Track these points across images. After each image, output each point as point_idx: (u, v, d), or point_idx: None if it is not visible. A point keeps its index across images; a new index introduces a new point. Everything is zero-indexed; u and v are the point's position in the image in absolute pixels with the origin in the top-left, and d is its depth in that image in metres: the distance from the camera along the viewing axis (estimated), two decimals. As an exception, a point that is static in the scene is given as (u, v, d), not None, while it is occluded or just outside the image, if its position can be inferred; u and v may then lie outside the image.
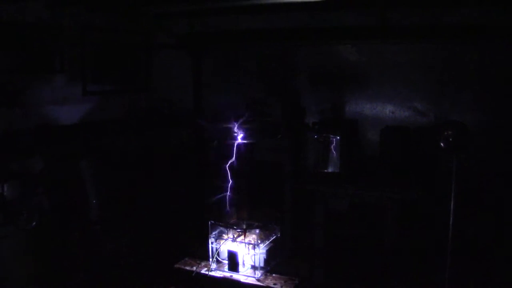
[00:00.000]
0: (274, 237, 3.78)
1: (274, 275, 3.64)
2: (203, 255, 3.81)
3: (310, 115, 4.91)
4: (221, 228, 3.76)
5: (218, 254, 3.73)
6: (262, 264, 3.62)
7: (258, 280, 3.56)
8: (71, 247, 3.93)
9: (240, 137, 3.77)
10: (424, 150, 4.33)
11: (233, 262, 3.62)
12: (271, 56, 5.20)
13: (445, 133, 3.19)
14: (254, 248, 3.59)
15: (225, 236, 3.72)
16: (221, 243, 3.71)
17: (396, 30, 4.37)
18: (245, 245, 3.63)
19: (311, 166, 4.22)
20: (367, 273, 3.96)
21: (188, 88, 5.44)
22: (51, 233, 3.78)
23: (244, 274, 3.62)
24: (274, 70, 5.18)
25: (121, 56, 5.06)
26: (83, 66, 4.51)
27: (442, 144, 3.20)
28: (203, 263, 3.77)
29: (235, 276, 3.62)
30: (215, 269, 3.69)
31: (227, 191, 3.88)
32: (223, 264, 3.73)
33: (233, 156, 3.77)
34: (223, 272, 3.66)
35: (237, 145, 3.74)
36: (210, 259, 3.71)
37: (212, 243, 3.73)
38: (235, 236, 3.71)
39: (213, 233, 3.74)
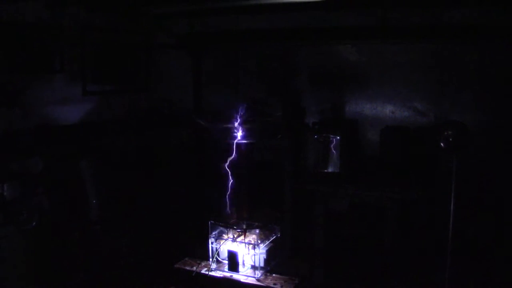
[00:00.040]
0: (274, 237, 3.78)
1: (274, 275, 3.64)
2: (203, 255, 3.81)
3: (310, 115, 4.91)
4: (221, 228, 3.76)
5: (218, 254, 3.73)
6: (262, 264, 3.62)
7: (258, 280, 3.56)
8: (71, 247, 3.93)
9: (240, 137, 3.76)
10: (424, 150, 4.33)
11: (233, 262, 3.62)
12: (271, 56, 5.20)
13: (445, 133, 3.19)
14: (254, 248, 3.59)
15: (225, 236, 3.72)
16: (221, 243, 3.71)
17: (396, 30, 4.37)
18: (245, 245, 3.62)
19: (311, 166, 4.22)
20: (367, 273, 3.96)
21: (188, 88, 5.44)
22: (51, 233, 3.78)
23: (244, 274, 3.61)
24: (274, 70, 5.18)
25: (121, 56, 5.06)
26: (83, 66, 4.51)
27: (442, 144, 3.20)
28: (203, 263, 3.77)
29: (235, 276, 3.61)
30: (215, 269, 3.69)
31: (227, 191, 3.88)
32: (223, 264, 3.73)
33: (233, 156, 3.77)
34: (223, 272, 3.66)
35: (237, 145, 3.74)
36: (210, 259, 3.71)
37: (212, 243, 3.73)
38: (235, 236, 3.71)
39: (213, 233, 3.74)
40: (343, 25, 4.55)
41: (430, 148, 4.17)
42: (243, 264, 3.66)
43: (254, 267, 3.62)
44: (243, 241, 3.64)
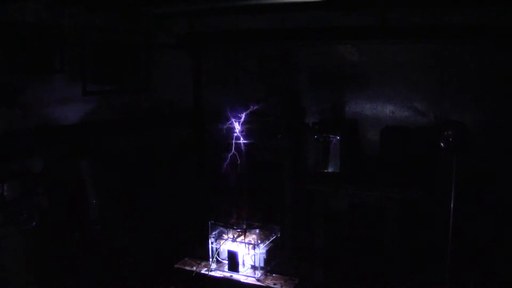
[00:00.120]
0: (274, 237, 3.77)
1: (274, 275, 3.64)
2: (203, 255, 3.80)
3: (310, 115, 4.91)
4: (221, 228, 3.75)
5: (218, 254, 3.72)
6: (262, 264, 3.61)
7: (258, 280, 3.55)
8: (71, 247, 3.93)
9: (240, 137, 3.76)
10: (424, 150, 4.33)
11: (233, 262, 3.62)
12: (271, 56, 5.20)
13: (445, 133, 3.19)
14: (254, 248, 3.59)
15: (225, 236, 3.72)
16: (221, 243, 3.70)
17: (396, 30, 4.37)
18: (245, 245, 3.62)
19: (311, 166, 4.22)
20: (367, 273, 3.96)
21: (188, 88, 5.44)
22: (51, 233, 3.78)
23: (244, 274, 3.61)
24: (274, 70, 5.18)
25: (121, 56, 5.05)
26: (83, 66, 4.51)
27: (442, 144, 3.20)
28: (203, 263, 3.77)
29: (235, 276, 3.61)
30: (215, 269, 3.68)
31: (227, 191, 3.88)
32: (223, 264, 3.73)
33: (232, 156, 3.77)
34: (223, 272, 3.65)
35: (236, 145, 3.73)
36: (210, 259, 3.71)
37: (212, 243, 3.73)
38: (235, 236, 3.70)
39: (213, 233, 3.74)
40: (343, 25, 4.55)
41: (430, 148, 4.17)
42: (243, 264, 3.66)
43: (254, 267, 3.62)
44: (243, 241, 3.64)
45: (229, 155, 3.72)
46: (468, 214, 3.67)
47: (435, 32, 4.27)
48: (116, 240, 4.25)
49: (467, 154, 3.27)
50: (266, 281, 3.54)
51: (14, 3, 3.79)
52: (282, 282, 3.54)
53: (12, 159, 3.67)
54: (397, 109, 4.72)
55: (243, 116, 3.93)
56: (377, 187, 3.89)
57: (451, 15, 4.20)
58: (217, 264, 3.72)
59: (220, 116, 3.75)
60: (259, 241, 3.59)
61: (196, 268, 3.71)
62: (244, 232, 3.65)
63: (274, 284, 3.51)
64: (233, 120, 3.75)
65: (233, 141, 3.71)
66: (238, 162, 3.68)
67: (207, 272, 3.65)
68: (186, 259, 3.89)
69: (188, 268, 3.75)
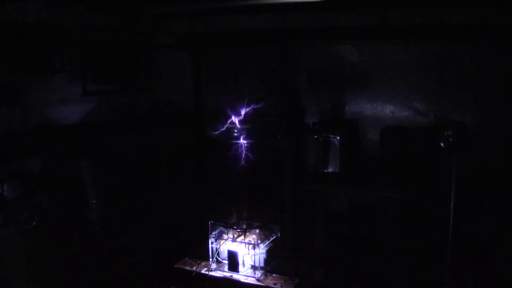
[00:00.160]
0: (274, 237, 3.77)
1: (274, 275, 3.63)
2: (203, 255, 3.80)
3: (310, 115, 4.91)
4: (221, 228, 3.75)
5: (218, 254, 3.72)
6: (262, 264, 3.61)
7: (258, 280, 3.55)
8: (71, 247, 3.93)
9: (240, 137, 3.76)
10: (424, 150, 4.33)
11: (233, 262, 3.61)
12: (271, 56, 5.20)
13: (445, 133, 3.19)
14: (254, 248, 3.58)
15: (225, 236, 3.72)
16: (221, 243, 3.70)
17: (396, 30, 4.37)
18: (245, 245, 3.62)
19: (311, 166, 4.22)
20: (367, 273, 3.96)
21: (188, 88, 5.44)
22: (51, 233, 3.78)
23: (244, 274, 3.61)
24: (274, 70, 5.18)
25: (121, 56, 5.06)
26: (83, 66, 4.51)
27: (442, 144, 3.20)
28: (203, 263, 3.77)
29: (235, 276, 3.61)
30: (215, 269, 3.68)
31: (227, 191, 3.88)
32: (223, 264, 3.73)
33: (233, 156, 3.76)
34: (223, 272, 3.65)
35: (237, 145, 3.73)
36: (210, 259, 3.70)
37: (212, 243, 3.73)
38: (235, 236, 3.70)
39: (213, 233, 3.74)
40: (343, 25, 4.55)
41: (430, 148, 4.17)
42: (243, 264, 3.66)
43: (254, 267, 3.61)
44: (243, 241, 3.64)
45: (229, 155, 3.72)
46: (468, 214, 3.67)
47: (435, 32, 4.27)
48: (116, 240, 4.25)
49: (467, 154, 3.26)
50: (266, 281, 3.54)
51: (14, 3, 3.79)
52: (282, 282, 3.54)
53: (12, 159, 3.67)
54: (397, 109, 4.72)
55: (243, 116, 3.93)
56: (377, 187, 3.89)
57: (451, 15, 4.20)
58: (217, 264, 3.72)
59: (220, 116, 3.75)
60: (259, 241, 3.59)
61: (196, 268, 3.70)
62: (244, 232, 3.65)
63: (274, 284, 3.51)
64: (233, 120, 3.75)
65: (233, 141, 3.71)
66: (238, 162, 3.68)
67: (207, 272, 3.65)
68: (186, 259, 3.89)
69: (188, 268, 3.75)
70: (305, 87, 5.03)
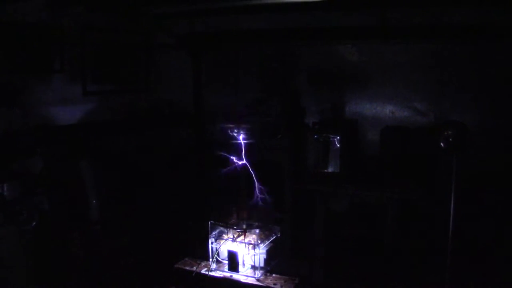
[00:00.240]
0: (274, 237, 3.77)
1: (274, 275, 3.64)
2: (203, 255, 3.81)
3: (310, 115, 4.90)
4: (221, 228, 3.75)
5: (218, 254, 3.73)
6: (262, 264, 3.62)
7: (258, 280, 3.55)
8: (71, 247, 3.93)
9: (240, 137, 3.76)
10: (424, 150, 4.33)
11: (233, 262, 3.62)
12: (271, 56, 5.20)
13: (445, 133, 3.19)
14: (254, 248, 3.59)
15: (225, 236, 3.72)
16: (221, 243, 3.70)
17: (396, 30, 4.37)
18: (245, 245, 3.62)
19: (311, 166, 4.22)
20: (367, 273, 3.96)
21: (188, 88, 5.44)
22: (51, 233, 3.78)
23: (244, 274, 3.61)
24: (274, 70, 5.18)
25: (121, 56, 5.06)
26: (83, 66, 4.51)
27: (442, 144, 3.20)
28: (203, 263, 3.77)
29: (235, 276, 3.61)
30: (215, 269, 3.69)
31: (227, 191, 3.88)
32: (223, 264, 3.73)
33: (233, 156, 3.77)
34: (223, 272, 3.66)
35: (237, 145, 3.74)
36: (210, 259, 3.71)
37: (212, 243, 3.73)
38: (235, 236, 3.70)
39: (213, 233, 3.74)
40: (343, 25, 4.55)
41: (430, 148, 4.17)
42: (243, 264, 3.66)
43: (254, 267, 3.62)
44: (243, 241, 3.64)
45: (229, 155, 3.72)
46: (468, 214, 3.67)
47: (435, 32, 4.27)
48: (116, 240, 4.25)
49: (467, 154, 3.26)
50: (266, 281, 3.54)
51: (14, 3, 3.78)
52: (282, 282, 3.54)
53: (12, 159, 3.67)
54: (397, 109, 4.72)
55: (243, 116, 3.94)
56: (377, 187, 3.89)
57: (451, 15, 4.20)
58: (217, 264, 3.72)
59: (220, 116, 3.75)
60: (259, 241, 3.59)
61: (196, 268, 3.71)
62: (244, 232, 3.66)
63: (274, 284, 3.52)
64: (233, 120, 3.75)
65: (233, 141, 3.72)
66: (238, 162, 3.69)
67: (207, 272, 3.65)
68: (186, 259, 3.90)
69: (188, 268, 3.75)
70: (305, 87, 5.03)
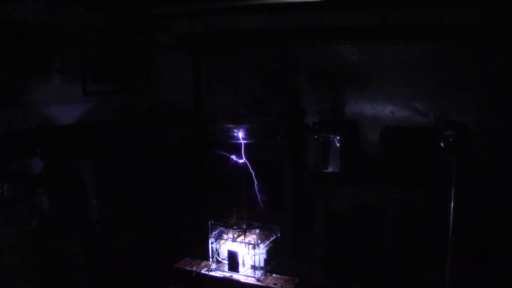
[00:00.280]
0: (274, 237, 3.77)
1: (274, 275, 3.64)
2: (203, 255, 3.81)
3: (310, 115, 4.91)
4: (221, 228, 3.76)
5: (218, 254, 3.73)
6: (262, 264, 3.62)
7: (258, 280, 3.55)
8: (71, 247, 3.93)
9: (240, 137, 3.76)
10: (424, 150, 4.33)
11: (233, 262, 3.62)
12: (271, 56, 5.20)
13: (445, 133, 3.19)
14: (254, 248, 3.59)
15: (225, 236, 3.72)
16: (221, 243, 3.70)
17: (396, 30, 4.37)
18: (245, 245, 3.62)
19: (311, 166, 4.22)
20: (367, 273, 3.96)
21: (188, 88, 5.44)
22: (51, 233, 3.78)
23: (244, 274, 3.61)
24: (274, 70, 5.18)
25: (121, 56, 5.06)
26: (83, 66, 4.51)
27: (442, 144, 3.20)
28: (203, 263, 3.77)
29: (235, 276, 3.61)
30: (215, 269, 3.69)
31: (227, 191, 3.88)
32: (223, 264, 3.73)
33: (233, 156, 3.77)
34: (223, 272, 3.66)
35: (237, 145, 3.74)
36: (210, 259, 3.71)
37: (212, 243, 3.73)
38: (235, 236, 3.70)
39: (213, 233, 3.74)
40: (343, 25, 4.55)
41: (430, 148, 4.17)
42: (243, 264, 3.66)
43: (254, 267, 3.62)
44: (243, 241, 3.64)
45: (229, 155, 3.72)
46: (468, 214, 3.67)
47: (435, 32, 4.27)
48: (116, 240, 4.25)
49: (467, 154, 3.26)
50: (266, 281, 3.54)
51: (14, 3, 3.78)
52: (282, 282, 3.54)
53: (12, 159, 3.66)
54: (397, 109, 4.72)
55: (243, 116, 3.94)
56: (377, 187, 3.89)
57: (451, 15, 4.20)
58: (217, 264, 3.72)
59: (220, 116, 3.75)
60: (259, 241, 3.59)
61: (196, 268, 3.71)
62: (244, 232, 3.66)
63: (274, 284, 3.52)
64: (233, 120, 3.75)
65: (233, 141, 3.72)
66: (238, 162, 3.69)
67: (207, 272, 3.65)
68: (186, 259, 3.90)
69: (188, 268, 3.75)
70: (305, 87, 5.03)
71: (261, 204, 3.74)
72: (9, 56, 3.83)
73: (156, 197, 4.66)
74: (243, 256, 3.66)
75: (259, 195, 3.73)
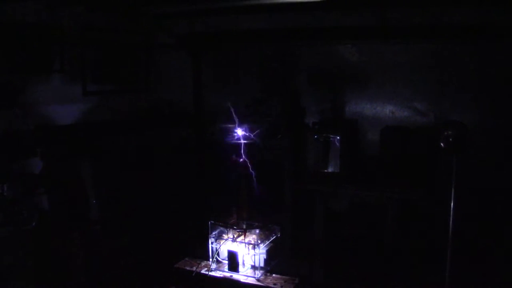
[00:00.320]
0: (274, 237, 3.77)
1: (274, 275, 3.64)
2: (203, 255, 3.80)
3: (310, 115, 4.91)
4: (221, 228, 3.75)
5: (218, 254, 3.72)
6: (262, 264, 3.61)
7: (258, 280, 3.55)
8: (71, 247, 3.93)
9: (240, 137, 3.76)
10: (424, 150, 4.33)
11: (233, 262, 3.62)
12: (271, 56, 5.20)
13: (445, 133, 3.19)
14: (254, 248, 3.59)
15: (225, 236, 3.72)
16: (221, 243, 3.70)
17: (396, 30, 4.37)
18: (245, 245, 3.62)
19: (311, 166, 4.22)
20: (367, 273, 3.96)
21: (188, 88, 5.44)
22: (51, 233, 3.78)
23: (244, 274, 3.61)
24: (274, 70, 5.18)
25: (121, 56, 5.06)
26: (83, 66, 4.51)
27: (442, 144, 3.20)
28: (203, 263, 3.77)
29: (235, 276, 3.61)
30: (215, 269, 3.69)
31: (227, 191, 3.88)
32: (223, 264, 3.73)
33: (232, 156, 3.77)
34: (223, 272, 3.65)
35: (236, 145, 3.74)
36: (210, 259, 3.71)
37: (212, 243, 3.73)
38: (235, 236, 3.70)
39: (213, 233, 3.74)
40: (343, 25, 4.55)
41: (430, 148, 4.17)
42: (243, 264, 3.66)
43: (254, 267, 3.62)
44: (243, 241, 3.64)
45: (229, 155, 3.72)
46: (468, 214, 3.67)
47: (435, 32, 4.27)
48: (116, 240, 4.25)
49: (467, 154, 3.26)
50: (266, 281, 3.54)
51: (14, 3, 3.78)
52: (282, 282, 3.54)
53: (12, 159, 3.66)
54: (397, 109, 4.72)
55: (243, 116, 3.93)
56: (377, 187, 3.89)
57: (451, 15, 4.20)
58: (217, 264, 3.72)
59: (220, 116, 3.75)
60: (259, 241, 3.59)
61: (196, 268, 3.71)
62: (244, 232, 3.65)
63: (274, 284, 3.51)
64: (233, 120, 3.75)
65: (233, 141, 3.72)
66: (238, 162, 3.69)
67: (207, 272, 3.65)
68: (186, 259, 3.89)
69: (188, 268, 3.75)
70: (305, 87, 5.03)
71: (261, 204, 3.74)
72: (9, 56, 3.83)
73: (156, 197, 4.66)
74: (243, 256, 3.65)
75: (259, 195, 3.72)
